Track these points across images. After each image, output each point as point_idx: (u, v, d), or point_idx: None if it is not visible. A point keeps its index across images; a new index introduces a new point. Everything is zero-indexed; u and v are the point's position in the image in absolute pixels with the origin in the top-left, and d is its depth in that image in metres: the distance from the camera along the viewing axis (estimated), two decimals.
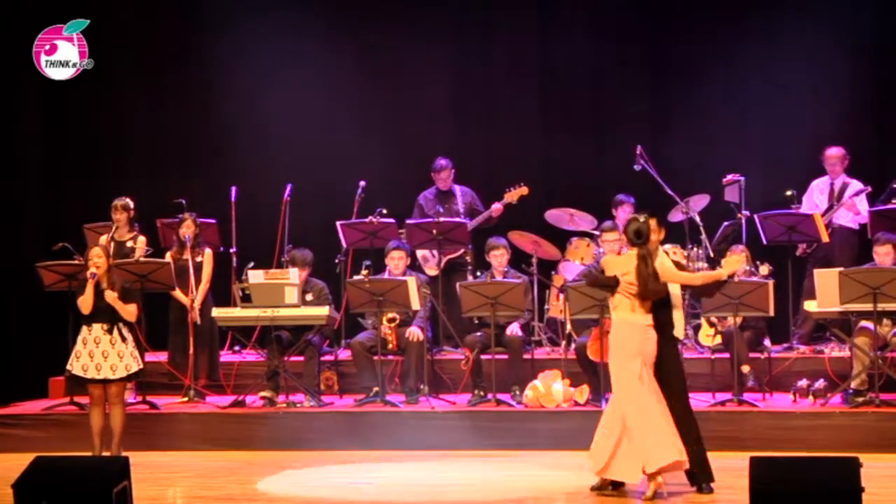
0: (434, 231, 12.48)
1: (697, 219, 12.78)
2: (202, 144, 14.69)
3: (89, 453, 10.40)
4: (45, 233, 13.35)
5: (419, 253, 13.04)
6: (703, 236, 12.73)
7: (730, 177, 12.73)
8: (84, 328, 10.45)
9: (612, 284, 9.06)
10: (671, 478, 9.12)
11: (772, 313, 11.21)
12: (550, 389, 11.45)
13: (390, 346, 11.97)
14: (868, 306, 10.76)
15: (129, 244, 12.36)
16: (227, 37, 14.60)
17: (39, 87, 13.66)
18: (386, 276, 11.99)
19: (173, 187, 13.68)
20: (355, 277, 11.94)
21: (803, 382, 11.42)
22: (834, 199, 12.70)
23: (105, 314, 10.38)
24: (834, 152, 12.74)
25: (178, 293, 12.11)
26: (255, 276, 11.85)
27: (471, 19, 14.61)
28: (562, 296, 12.29)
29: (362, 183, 13.29)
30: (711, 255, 12.54)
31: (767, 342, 11.91)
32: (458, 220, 12.81)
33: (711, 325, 11.88)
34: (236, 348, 13.23)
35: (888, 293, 10.68)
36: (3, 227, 13.62)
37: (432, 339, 12.40)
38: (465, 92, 14.62)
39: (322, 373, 12.30)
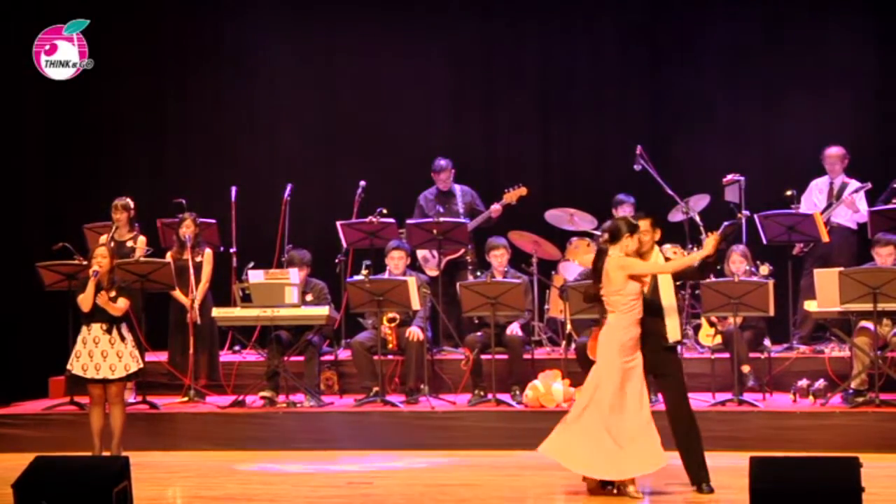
0: (434, 231, 12.48)
1: (697, 219, 12.77)
2: (202, 144, 14.70)
3: (89, 453, 10.41)
4: (45, 233, 13.35)
5: (419, 253, 13.05)
6: (703, 236, 12.72)
7: (730, 177, 12.73)
8: (84, 328, 10.47)
9: (595, 296, 9.11)
10: (671, 478, 9.12)
11: (772, 313, 11.22)
12: (550, 389, 11.45)
13: (390, 346, 11.98)
14: (868, 306, 10.76)
15: (130, 244, 12.36)
16: (227, 37, 14.63)
17: (39, 87, 13.66)
18: (386, 276, 11.99)
19: (173, 187, 13.68)
20: (355, 277, 11.94)
21: (803, 382, 11.42)
22: (833, 198, 12.70)
23: (104, 314, 10.40)
24: (833, 152, 12.75)
25: (178, 293, 12.11)
26: (255, 276, 11.86)
27: (470, 19, 14.61)
28: (561, 280, 12.32)
29: (362, 183, 13.30)
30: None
31: (767, 342, 11.91)
32: (457, 220, 12.81)
33: (711, 325, 11.88)
34: (236, 348, 13.23)
35: (888, 293, 10.69)
36: (3, 227, 13.62)
37: (432, 339, 12.40)
38: (464, 92, 14.62)
39: (322, 373, 12.30)
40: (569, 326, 12.01)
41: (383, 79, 14.55)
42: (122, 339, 10.45)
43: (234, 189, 13.32)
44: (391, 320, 11.94)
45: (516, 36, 14.55)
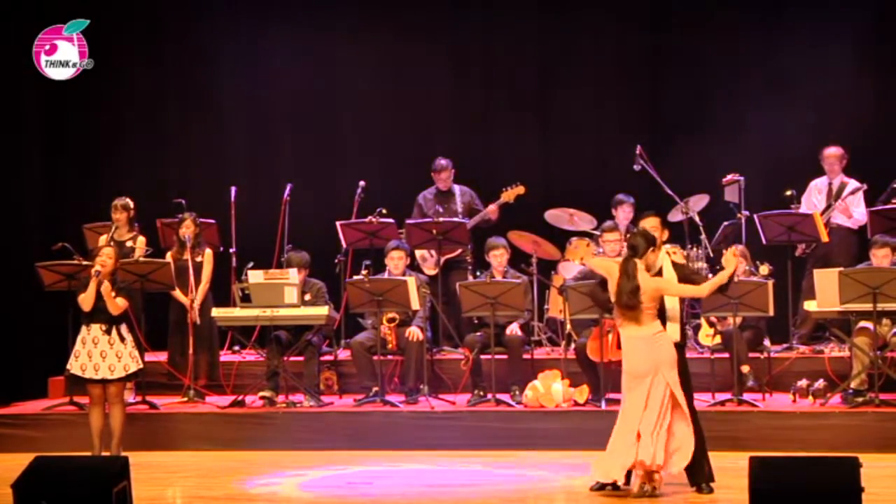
0: (434, 231, 12.48)
1: (697, 219, 12.78)
2: (202, 144, 14.70)
3: (89, 453, 10.41)
4: (45, 233, 13.35)
5: (417, 252, 13.04)
6: (703, 236, 12.73)
7: (730, 177, 12.74)
8: (83, 328, 10.47)
9: (608, 307, 9.09)
10: (671, 478, 9.11)
11: (771, 313, 11.22)
12: (550, 389, 11.45)
13: (390, 346, 11.97)
14: (868, 306, 10.76)
15: (129, 244, 12.36)
16: (227, 37, 14.63)
17: (39, 87, 13.66)
18: (386, 276, 11.99)
19: (173, 187, 13.68)
20: (355, 277, 11.94)
21: (803, 382, 11.42)
22: (832, 198, 12.70)
23: (104, 314, 10.40)
24: (832, 152, 12.74)
25: (178, 293, 12.10)
26: (255, 276, 11.85)
27: (470, 18, 14.62)
28: (561, 280, 12.33)
29: (362, 183, 13.30)
30: (711, 254, 12.53)
31: (767, 342, 11.91)
32: (457, 220, 12.81)
33: (711, 325, 11.88)
34: (236, 348, 13.23)
35: (888, 293, 10.68)
36: (3, 227, 13.62)
37: (432, 339, 12.40)
38: (464, 92, 14.62)
39: (322, 373, 12.30)
40: (568, 326, 12.01)
41: (383, 79, 14.55)
42: (122, 339, 10.45)
43: (233, 189, 13.32)
44: (391, 320, 11.95)
45: (516, 36, 14.54)
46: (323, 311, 11.81)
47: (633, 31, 14.33)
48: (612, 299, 8.95)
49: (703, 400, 11.14)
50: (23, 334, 13.39)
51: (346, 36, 14.61)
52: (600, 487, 9.12)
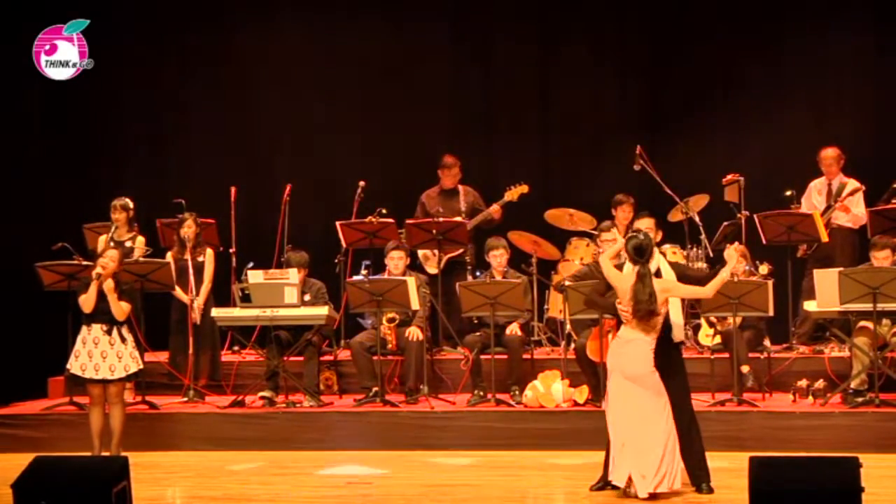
0: (434, 231, 12.48)
1: (697, 219, 12.77)
2: (202, 144, 14.69)
3: (89, 453, 10.41)
4: (45, 233, 13.34)
5: (420, 251, 13.04)
6: (703, 236, 12.73)
7: (730, 177, 12.73)
8: (84, 328, 10.47)
9: (610, 310, 9.08)
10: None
11: (771, 313, 11.21)
12: (550, 389, 11.45)
13: (390, 346, 11.98)
14: (868, 306, 10.76)
15: (129, 244, 12.36)
16: (227, 37, 14.63)
17: (39, 87, 13.66)
18: (386, 276, 11.99)
19: (173, 187, 13.68)
20: (355, 277, 11.93)
21: (803, 382, 11.41)
22: (832, 199, 12.70)
23: (105, 315, 10.40)
24: (829, 153, 12.74)
25: (179, 292, 12.10)
26: (255, 276, 11.85)
27: (471, 20, 14.62)
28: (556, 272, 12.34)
29: (362, 183, 13.29)
30: (711, 254, 12.53)
31: (767, 342, 11.90)
32: (456, 220, 12.80)
33: (711, 325, 11.88)
34: (236, 348, 13.22)
35: (888, 293, 10.68)
36: (3, 227, 13.61)
37: (432, 339, 12.40)
38: (464, 92, 14.62)
39: (321, 373, 12.30)
40: (568, 326, 12.01)
41: (383, 78, 14.55)
42: (123, 339, 10.45)
43: (233, 189, 13.32)
44: (391, 320, 11.95)
45: (516, 35, 14.54)
46: (323, 311, 11.81)
47: (633, 31, 14.33)
48: (624, 309, 8.92)
49: (702, 400, 11.14)
50: (23, 334, 13.38)
51: (346, 35, 14.61)
52: (600, 487, 9.12)
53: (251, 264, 12.26)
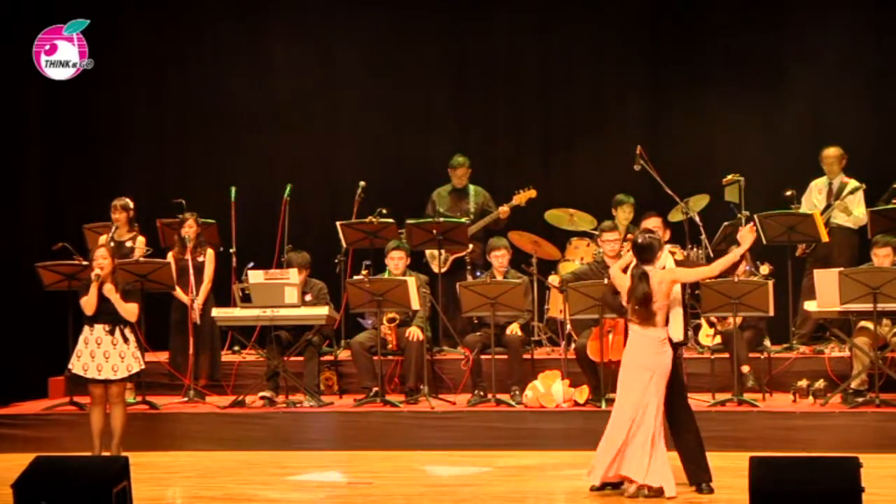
0: (434, 231, 12.48)
1: (697, 219, 12.78)
2: (202, 144, 14.70)
3: (89, 453, 10.41)
4: (45, 233, 13.35)
5: (427, 250, 13.04)
6: (703, 236, 12.73)
7: (730, 177, 12.72)
8: (86, 328, 10.46)
9: (619, 309, 9.09)
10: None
11: (772, 313, 11.21)
12: (550, 389, 11.45)
13: (390, 346, 11.98)
14: (868, 306, 10.76)
15: (129, 244, 12.36)
16: (227, 37, 14.63)
17: (39, 87, 13.66)
18: (386, 276, 11.99)
19: (173, 187, 13.68)
20: (355, 277, 11.94)
21: (803, 382, 11.41)
22: (832, 198, 12.70)
23: (108, 315, 10.40)
24: (831, 152, 12.74)
25: (180, 293, 12.10)
26: (255, 276, 11.85)
27: (472, 19, 14.61)
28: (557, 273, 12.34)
29: (362, 183, 13.29)
30: (711, 254, 12.53)
31: (767, 342, 11.90)
32: (456, 219, 12.80)
33: (711, 325, 11.88)
34: (236, 348, 13.23)
35: (888, 293, 10.68)
36: (3, 227, 13.62)
37: (432, 339, 12.40)
38: (464, 91, 14.62)
39: (322, 373, 12.30)
40: (568, 326, 12.01)
41: (383, 78, 14.55)
42: (126, 339, 10.45)
43: (233, 189, 13.32)
44: (391, 320, 11.95)
45: (517, 35, 14.54)
46: (323, 311, 11.81)
47: (632, 31, 14.32)
48: (626, 304, 8.96)
49: (702, 400, 11.15)
50: (23, 334, 13.38)
51: (346, 36, 14.61)
52: (600, 487, 9.13)
53: (251, 264, 12.27)
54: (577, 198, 13.54)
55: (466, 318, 11.99)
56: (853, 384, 11.12)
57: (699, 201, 12.85)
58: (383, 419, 11.53)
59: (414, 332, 11.84)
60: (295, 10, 14.58)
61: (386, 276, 11.97)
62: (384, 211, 12.74)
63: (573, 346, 11.71)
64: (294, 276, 11.82)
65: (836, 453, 9.06)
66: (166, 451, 11.42)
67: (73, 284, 11.44)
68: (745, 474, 7.72)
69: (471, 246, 12.92)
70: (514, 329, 11.82)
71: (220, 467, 10.75)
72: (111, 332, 10.41)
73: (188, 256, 12.03)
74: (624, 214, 12.77)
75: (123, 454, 9.63)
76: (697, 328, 12.22)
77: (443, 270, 12.84)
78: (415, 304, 11.59)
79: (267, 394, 11.90)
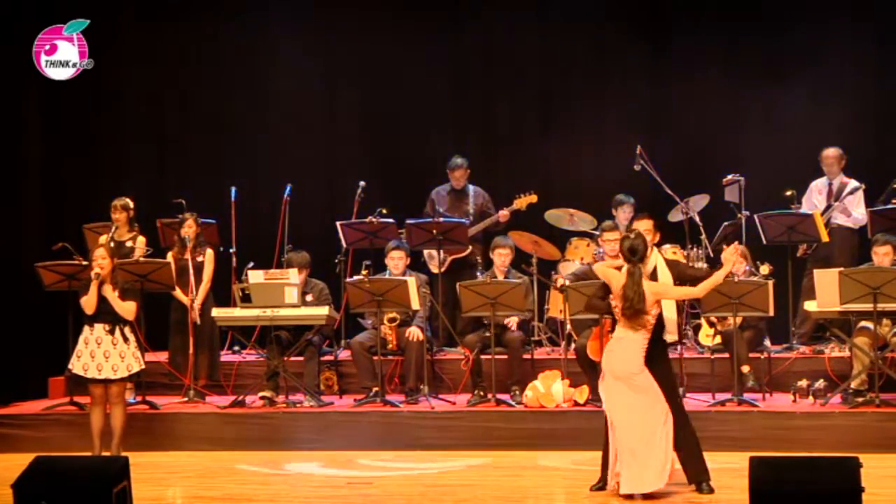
0: (434, 231, 12.48)
1: (697, 219, 12.78)
2: (202, 144, 14.70)
3: (89, 453, 10.41)
4: (45, 233, 13.35)
5: (425, 251, 13.05)
6: (703, 236, 12.73)
7: (730, 177, 12.73)
8: (86, 328, 10.46)
9: (607, 311, 9.09)
10: (671, 478, 9.10)
11: (772, 313, 11.21)
12: (550, 389, 11.45)
13: (390, 346, 11.98)
14: (868, 306, 10.76)
15: (129, 244, 12.36)
16: (227, 37, 14.62)
17: (39, 87, 13.66)
18: (386, 276, 11.99)
19: (173, 187, 13.68)
20: (355, 277, 11.94)
21: (803, 382, 11.42)
22: (832, 199, 12.71)
23: (108, 314, 10.41)
24: (831, 152, 12.75)
25: (179, 293, 12.10)
26: (255, 276, 11.85)
27: (471, 18, 14.62)
28: (556, 274, 12.34)
29: (362, 183, 13.30)
30: (711, 255, 12.53)
31: (767, 342, 11.90)
32: (455, 219, 12.80)
33: (711, 325, 11.88)
34: (236, 348, 13.23)
35: (888, 293, 10.68)
36: (3, 227, 13.61)
37: (432, 338, 12.40)
38: (464, 91, 14.62)
39: (322, 373, 12.30)
40: (568, 326, 12.00)
41: (383, 78, 14.55)
42: (125, 339, 10.46)
43: (233, 189, 13.32)
44: (391, 320, 11.95)
45: (517, 35, 14.54)
46: (323, 311, 11.81)
47: (632, 31, 14.32)
48: (615, 304, 8.94)
49: (702, 400, 11.16)
50: (23, 334, 13.38)
51: (346, 36, 14.61)
52: (600, 487, 9.13)
53: (251, 264, 12.27)
54: (577, 198, 13.54)
55: (467, 318, 11.98)
56: (853, 384, 11.12)
57: (699, 201, 12.85)
58: (383, 419, 11.53)
59: (414, 332, 11.84)
60: (295, 10, 14.57)
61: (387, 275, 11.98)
62: (384, 211, 12.74)
63: (573, 346, 11.70)
64: (294, 276, 11.82)
65: (836, 453, 9.06)
66: (166, 451, 11.42)
67: (73, 284, 11.44)
68: (745, 474, 7.72)
69: (470, 247, 12.93)
70: (511, 320, 11.78)
71: (220, 467, 10.75)
72: (111, 332, 10.41)
73: (188, 256, 12.03)
74: (624, 215, 12.77)
75: (123, 454, 9.63)
76: (697, 328, 12.22)
77: (442, 270, 12.84)
78: (415, 304, 11.59)
79: (267, 394, 11.90)
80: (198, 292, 12.05)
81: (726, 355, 11.48)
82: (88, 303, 10.38)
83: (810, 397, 11.27)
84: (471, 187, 13.34)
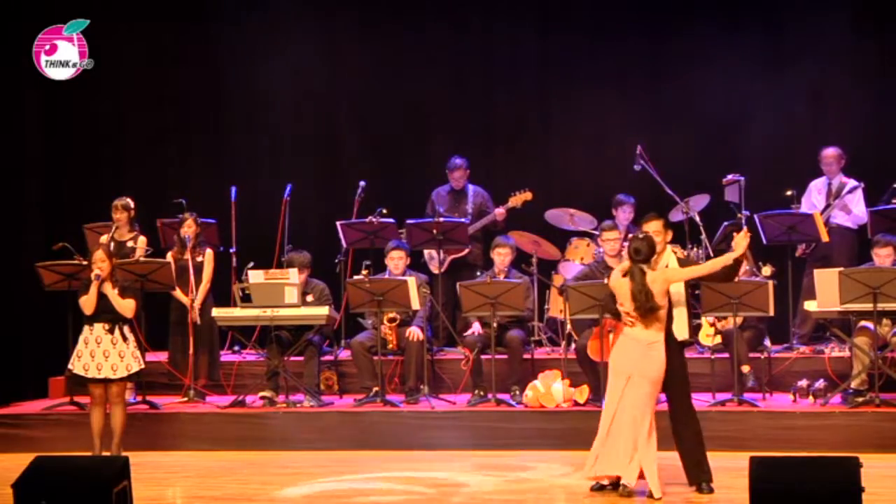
0: (434, 231, 12.49)
1: (697, 219, 12.78)
2: (202, 145, 14.70)
3: (89, 453, 10.41)
4: (45, 233, 13.35)
5: (425, 251, 13.05)
6: (703, 236, 12.73)
7: (730, 177, 12.73)
8: (86, 327, 10.47)
9: (618, 314, 9.11)
10: (671, 478, 9.12)
11: (772, 313, 11.21)
12: (550, 389, 11.45)
13: (390, 346, 11.98)
14: (868, 306, 10.76)
15: (130, 244, 12.36)
16: (227, 37, 14.62)
17: (39, 87, 13.66)
18: (386, 276, 11.99)
19: (173, 187, 13.68)
20: (355, 277, 11.94)
21: (803, 382, 11.42)
22: (832, 198, 12.71)
23: (107, 314, 10.41)
24: (830, 152, 12.75)
25: (178, 293, 12.10)
26: (255, 276, 11.86)
27: (471, 19, 14.61)
28: (561, 279, 12.33)
29: (362, 183, 13.30)
30: (711, 254, 12.53)
31: (767, 342, 11.91)
32: (455, 219, 12.80)
33: (711, 325, 11.88)
34: (236, 348, 13.23)
35: (888, 293, 10.68)
36: (3, 227, 13.62)
37: (432, 338, 12.40)
38: (464, 91, 14.61)
39: (322, 373, 12.30)
40: (568, 326, 12.01)
41: (383, 78, 14.55)
42: (125, 339, 10.46)
43: (234, 189, 13.32)
44: (391, 320, 11.95)
45: (516, 34, 14.53)
46: (323, 311, 11.81)
47: (632, 31, 14.31)
48: (623, 308, 8.95)
49: (703, 400, 11.15)
50: (23, 334, 13.38)
51: (346, 36, 14.61)
52: (600, 487, 9.13)
53: (251, 264, 12.27)
54: (577, 198, 13.54)
55: (467, 317, 11.98)
56: (853, 384, 11.12)
57: (699, 201, 12.85)
58: (383, 419, 11.53)
59: (414, 332, 11.84)
60: (295, 11, 14.58)
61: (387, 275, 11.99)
62: (384, 211, 12.74)
63: (573, 346, 11.71)
64: (294, 276, 11.82)
65: (836, 453, 9.06)
66: (166, 451, 11.43)
67: (73, 284, 11.44)
68: (745, 474, 7.73)
69: (469, 247, 12.93)
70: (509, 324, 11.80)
71: (220, 467, 10.75)
72: (111, 332, 10.41)
73: (188, 256, 12.03)
74: (624, 215, 12.78)
75: (123, 454, 9.63)
76: (697, 328, 12.21)
77: (442, 270, 12.84)
78: (415, 304, 11.59)
79: (267, 394, 11.90)
80: (197, 292, 12.05)
81: (726, 355, 11.49)
82: (88, 303, 10.38)
83: (810, 397, 11.27)
84: (470, 187, 13.35)
